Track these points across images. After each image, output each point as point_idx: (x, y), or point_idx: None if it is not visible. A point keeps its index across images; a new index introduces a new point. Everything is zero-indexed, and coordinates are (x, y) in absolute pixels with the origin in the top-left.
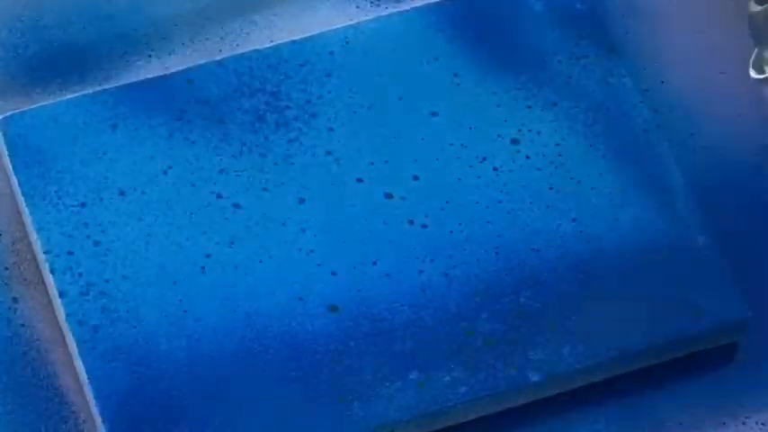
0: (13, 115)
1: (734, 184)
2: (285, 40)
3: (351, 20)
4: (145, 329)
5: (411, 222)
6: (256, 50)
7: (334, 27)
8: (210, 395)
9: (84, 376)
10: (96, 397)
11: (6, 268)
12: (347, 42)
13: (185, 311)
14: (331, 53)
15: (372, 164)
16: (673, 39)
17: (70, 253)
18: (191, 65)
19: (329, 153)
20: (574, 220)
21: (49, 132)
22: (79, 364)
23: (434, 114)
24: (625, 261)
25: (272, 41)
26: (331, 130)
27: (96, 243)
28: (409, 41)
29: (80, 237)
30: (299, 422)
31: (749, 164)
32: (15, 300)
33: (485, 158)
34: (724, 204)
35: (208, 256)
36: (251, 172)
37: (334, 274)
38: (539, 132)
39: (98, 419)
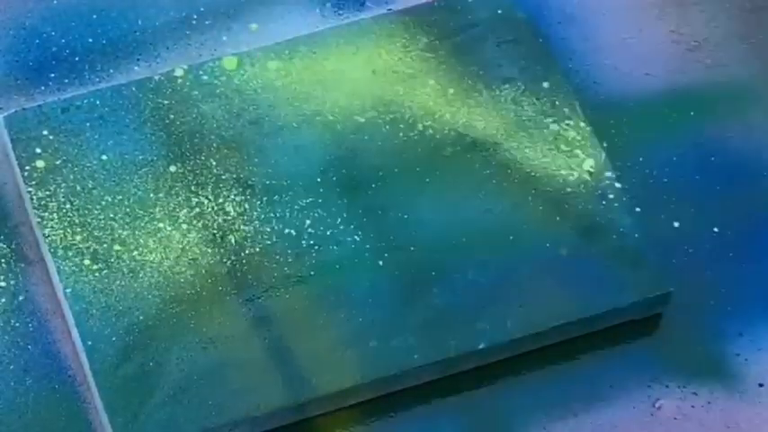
0: (16, 112)
1: (661, 174)
2: (256, 47)
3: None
4: (142, 306)
5: (371, 209)
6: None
7: (305, 33)
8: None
9: (79, 344)
10: (91, 365)
11: (11, 248)
12: (298, 50)
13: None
14: (289, 58)
15: (333, 158)
16: (604, 43)
17: (66, 232)
18: (174, 66)
19: (293, 147)
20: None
21: (50, 127)
22: (75, 334)
23: (393, 116)
24: (562, 242)
25: (247, 47)
26: (282, 128)
27: (89, 224)
28: (369, 48)
29: (75, 217)
30: (266, 388)
31: (673, 152)
32: (17, 276)
33: (435, 149)
34: (649, 191)
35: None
36: (230, 168)
37: (298, 255)
38: (483, 127)
39: (93, 386)
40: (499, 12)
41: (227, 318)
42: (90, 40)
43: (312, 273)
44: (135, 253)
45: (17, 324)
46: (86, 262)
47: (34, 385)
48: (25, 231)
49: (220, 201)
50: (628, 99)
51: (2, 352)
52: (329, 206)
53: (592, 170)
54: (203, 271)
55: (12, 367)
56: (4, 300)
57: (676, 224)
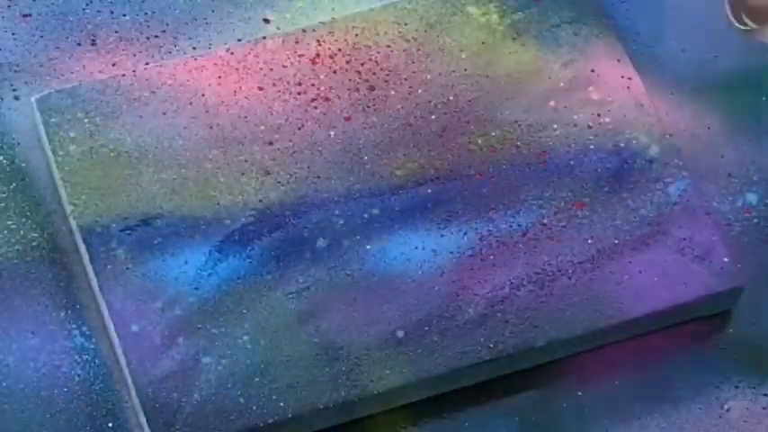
0: (50, 94)
1: (729, 161)
2: (303, 25)
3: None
4: (181, 300)
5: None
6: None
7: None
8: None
9: (115, 340)
10: (128, 361)
11: (43, 237)
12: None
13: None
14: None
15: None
16: (671, 23)
17: (101, 222)
18: (217, 44)
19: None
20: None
21: (85, 110)
22: (111, 329)
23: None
24: (624, 234)
25: (293, 25)
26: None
27: (125, 213)
28: (421, 28)
29: (110, 206)
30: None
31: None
32: (50, 267)
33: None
34: (719, 180)
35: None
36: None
37: (349, 245)
38: (536, 117)
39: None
40: None
41: (271, 312)
42: (125, 17)
43: (364, 265)
44: (175, 244)
45: (49, 318)
46: (122, 254)
47: (66, 382)
48: (58, 221)
49: (266, 188)
50: (695, 83)
51: (33, 347)
52: (385, 195)
53: (656, 157)
54: (249, 261)
55: (44, 364)
56: (35, 291)
57: (748, 215)
